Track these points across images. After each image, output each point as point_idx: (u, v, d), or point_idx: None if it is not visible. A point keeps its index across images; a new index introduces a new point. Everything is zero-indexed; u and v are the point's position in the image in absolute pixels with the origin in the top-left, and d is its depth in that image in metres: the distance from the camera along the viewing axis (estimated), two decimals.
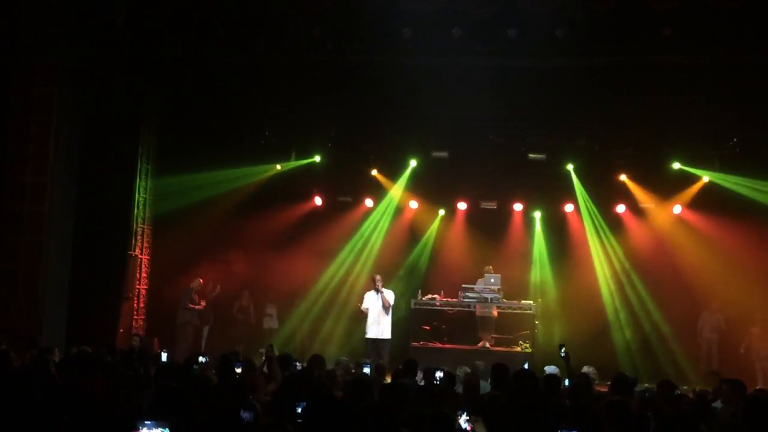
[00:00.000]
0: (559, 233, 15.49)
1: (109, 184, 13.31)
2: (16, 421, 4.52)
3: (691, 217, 14.77)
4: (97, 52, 12.60)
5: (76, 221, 12.96)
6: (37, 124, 12.39)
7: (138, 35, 12.78)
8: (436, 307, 14.49)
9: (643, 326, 14.74)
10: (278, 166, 15.44)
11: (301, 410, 5.07)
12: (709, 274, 13.90)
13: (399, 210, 15.94)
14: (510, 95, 13.76)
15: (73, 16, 12.25)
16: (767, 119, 13.20)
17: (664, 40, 12.00)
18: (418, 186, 15.57)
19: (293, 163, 15.53)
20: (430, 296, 14.52)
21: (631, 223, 15.24)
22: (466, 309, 14.32)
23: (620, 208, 15.23)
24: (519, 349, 14.00)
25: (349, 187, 15.92)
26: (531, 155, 14.85)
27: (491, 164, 15.15)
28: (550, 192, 15.35)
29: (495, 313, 14.23)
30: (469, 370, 8.46)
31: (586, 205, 15.19)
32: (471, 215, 15.75)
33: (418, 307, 14.32)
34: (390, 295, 13.20)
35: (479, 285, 14.25)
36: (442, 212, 15.89)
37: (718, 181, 14.33)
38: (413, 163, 15.32)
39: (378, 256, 15.55)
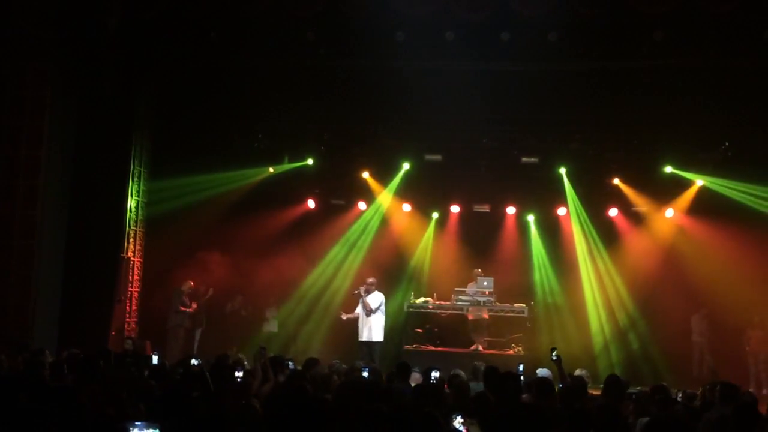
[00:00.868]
0: (552, 236, 15.54)
1: (101, 187, 13.26)
2: (7, 425, 4.51)
3: (684, 220, 14.84)
4: (90, 56, 12.59)
5: (68, 224, 12.92)
6: (29, 127, 12.32)
7: (130, 39, 12.76)
8: (429, 310, 14.51)
9: (636, 330, 14.78)
10: (271, 169, 15.44)
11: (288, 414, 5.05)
12: (702, 277, 13.94)
13: (392, 213, 15.94)
14: (503, 99, 13.75)
15: (65, 19, 12.20)
16: (759, 123, 13.24)
17: (656, 44, 12.04)
18: (411, 189, 15.60)
19: (286, 167, 15.54)
20: (423, 299, 14.53)
21: (624, 226, 15.29)
22: (459, 312, 14.34)
23: (613, 212, 15.29)
24: (512, 352, 14.00)
25: (342, 190, 15.95)
26: (524, 158, 14.89)
27: (484, 167, 15.18)
28: (543, 195, 15.41)
29: (485, 315, 14.24)
30: (460, 373, 8.43)
31: (576, 209, 15.24)
32: (464, 218, 15.78)
33: (411, 310, 14.34)
34: (375, 299, 13.18)
35: (472, 288, 14.26)
36: (435, 215, 15.91)
37: (711, 185, 14.40)
38: (406, 166, 15.34)
39: (371, 260, 15.53)
